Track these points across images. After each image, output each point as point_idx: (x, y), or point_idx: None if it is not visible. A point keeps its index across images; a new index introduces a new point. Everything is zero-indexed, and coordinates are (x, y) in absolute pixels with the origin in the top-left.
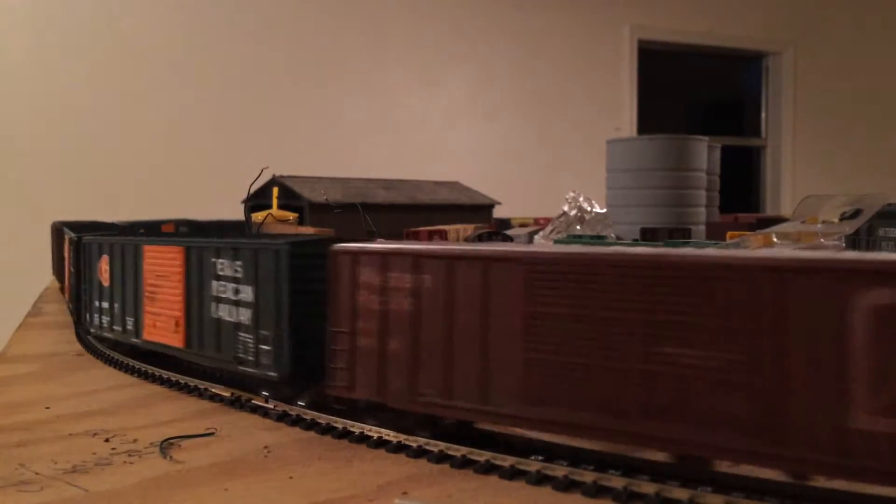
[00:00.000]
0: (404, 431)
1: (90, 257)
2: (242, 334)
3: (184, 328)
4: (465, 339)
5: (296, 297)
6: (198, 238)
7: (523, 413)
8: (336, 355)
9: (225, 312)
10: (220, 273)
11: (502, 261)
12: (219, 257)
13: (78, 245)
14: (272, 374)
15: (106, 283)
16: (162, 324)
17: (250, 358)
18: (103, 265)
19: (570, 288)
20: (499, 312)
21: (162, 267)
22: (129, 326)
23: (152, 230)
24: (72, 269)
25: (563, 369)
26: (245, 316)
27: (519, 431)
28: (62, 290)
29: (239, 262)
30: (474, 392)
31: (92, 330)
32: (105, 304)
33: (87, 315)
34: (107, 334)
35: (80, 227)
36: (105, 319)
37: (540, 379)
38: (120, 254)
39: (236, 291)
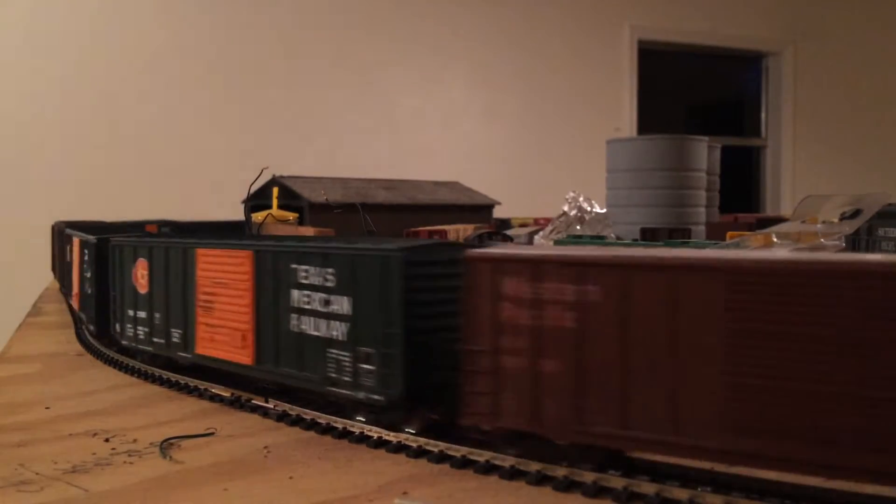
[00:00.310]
0: (559, 464)
1: (121, 261)
2: (335, 351)
3: (253, 343)
4: (645, 359)
5: (408, 309)
6: (272, 241)
7: (726, 446)
8: (474, 378)
9: (309, 326)
10: (304, 281)
11: (695, 270)
12: (301, 263)
13: (100, 248)
14: (377, 396)
15: (143, 291)
16: (223, 337)
17: (346, 378)
18: (139, 270)
19: (791, 302)
20: (690, 329)
21: (222, 273)
22: (176, 339)
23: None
24: (87, 275)
25: (781, 395)
26: (339, 331)
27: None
28: (64, 292)
29: (330, 270)
30: (660, 421)
31: (124, 342)
32: (142, 314)
33: (118, 325)
34: (144, 347)
35: (83, 228)
36: (141, 331)
37: (749, 407)
38: (163, 258)
39: (326, 303)
